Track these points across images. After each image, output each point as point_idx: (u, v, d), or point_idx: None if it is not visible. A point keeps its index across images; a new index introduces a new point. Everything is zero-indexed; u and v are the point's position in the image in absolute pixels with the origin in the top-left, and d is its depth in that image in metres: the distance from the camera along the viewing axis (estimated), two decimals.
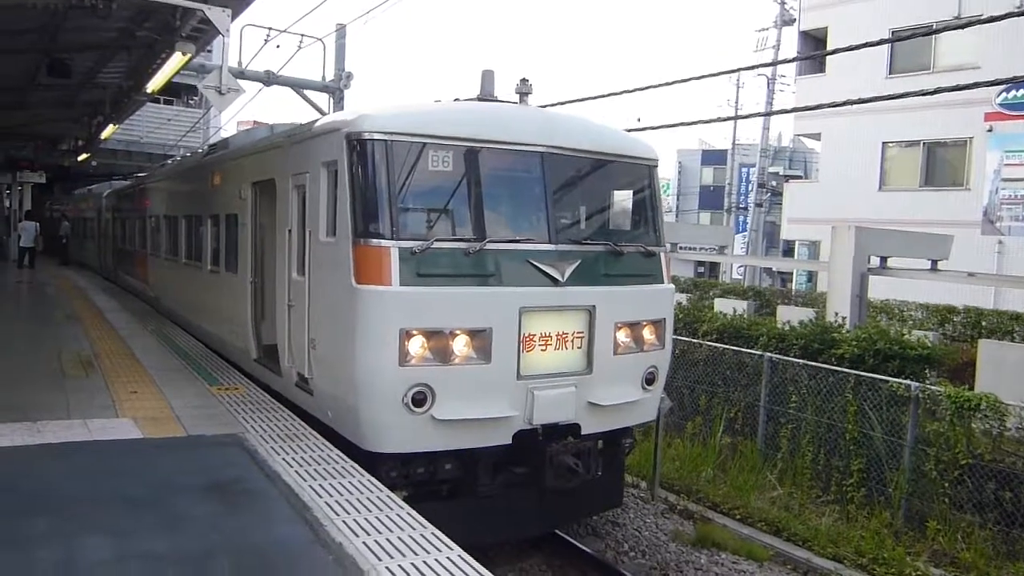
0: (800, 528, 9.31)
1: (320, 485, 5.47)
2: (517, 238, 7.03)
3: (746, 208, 45.43)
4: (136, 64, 9.81)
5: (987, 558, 8.53)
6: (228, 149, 11.58)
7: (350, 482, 5.60)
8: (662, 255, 8.10)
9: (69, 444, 6.26)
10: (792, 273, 34.73)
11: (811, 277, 29.84)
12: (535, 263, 6.95)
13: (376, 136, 6.67)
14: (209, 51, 25.78)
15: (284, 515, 4.89)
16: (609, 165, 7.84)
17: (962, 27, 14.93)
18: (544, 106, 10.02)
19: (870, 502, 9.99)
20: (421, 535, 4.66)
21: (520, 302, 6.84)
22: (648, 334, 7.85)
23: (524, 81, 7.77)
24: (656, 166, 8.26)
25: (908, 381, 9.94)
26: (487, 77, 7.82)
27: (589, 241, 7.50)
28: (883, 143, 26.34)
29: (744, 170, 47.07)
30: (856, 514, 9.84)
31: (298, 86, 18.29)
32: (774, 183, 40.42)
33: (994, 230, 23.32)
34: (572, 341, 7.24)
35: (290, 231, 8.13)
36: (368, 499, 5.25)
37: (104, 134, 17.83)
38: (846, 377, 10.55)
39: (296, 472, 5.73)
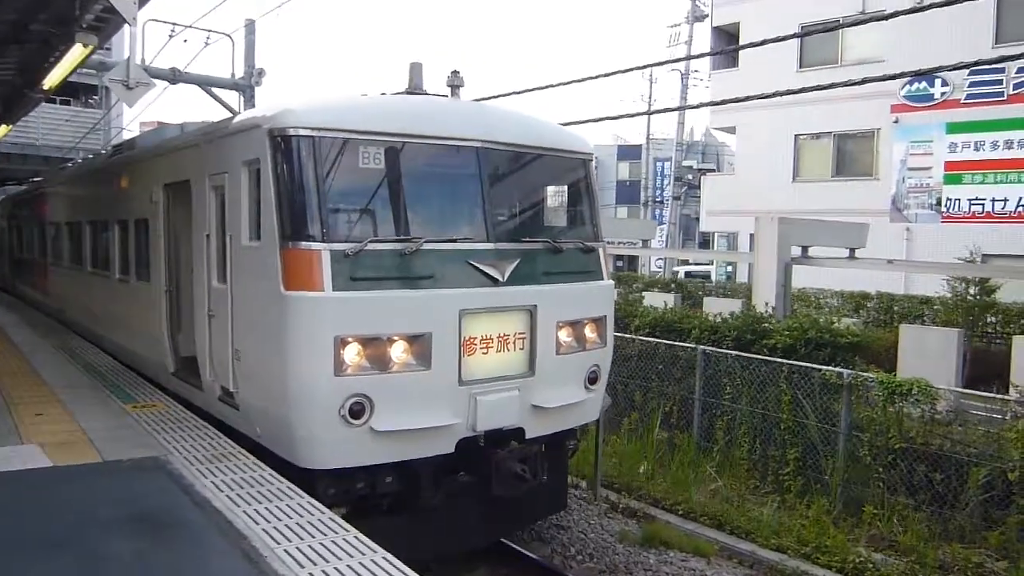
0: (742, 521, 9.30)
1: (255, 510, 5.05)
2: (454, 237, 6.72)
3: (662, 202, 46.17)
4: (30, 59, 9.07)
5: (923, 540, 8.67)
6: (136, 149, 10.88)
7: (287, 504, 5.19)
8: (601, 251, 7.91)
9: None
10: (711, 264, 35.41)
11: (728, 268, 30.44)
12: (474, 263, 6.66)
13: (301, 132, 6.25)
14: (108, 48, 24.50)
15: (218, 547, 4.46)
16: (545, 159, 7.61)
17: (866, 22, 15.44)
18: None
19: (807, 490, 10.06)
20: (372, 561, 4.31)
21: (459, 304, 6.54)
22: (590, 332, 7.66)
23: (455, 73, 7.48)
24: (591, 160, 8.08)
25: (840, 369, 10.06)
26: (415, 69, 7.48)
27: (527, 239, 7.25)
28: (795, 135, 27.01)
29: (659, 164, 47.80)
30: (795, 503, 9.90)
31: (206, 84, 17.47)
32: (690, 176, 41.14)
33: (902, 218, 24.17)
34: (514, 343, 6.98)
35: (208, 236, 7.61)
36: (309, 523, 4.87)
37: None
38: (779, 367, 10.62)
39: (227, 496, 5.28)
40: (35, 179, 22.15)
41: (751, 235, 27.34)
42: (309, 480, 6.15)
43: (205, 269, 7.64)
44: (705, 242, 40.95)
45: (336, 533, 4.71)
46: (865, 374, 9.87)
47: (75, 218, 13.69)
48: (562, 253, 7.39)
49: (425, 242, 6.42)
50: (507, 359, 6.94)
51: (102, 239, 11.78)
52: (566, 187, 7.92)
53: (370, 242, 6.25)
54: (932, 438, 9.33)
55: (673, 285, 25.59)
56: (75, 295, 13.90)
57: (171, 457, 6.18)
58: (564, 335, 7.39)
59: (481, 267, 6.67)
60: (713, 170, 44.09)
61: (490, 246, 6.80)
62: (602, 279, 7.86)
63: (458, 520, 7.08)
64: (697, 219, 46.37)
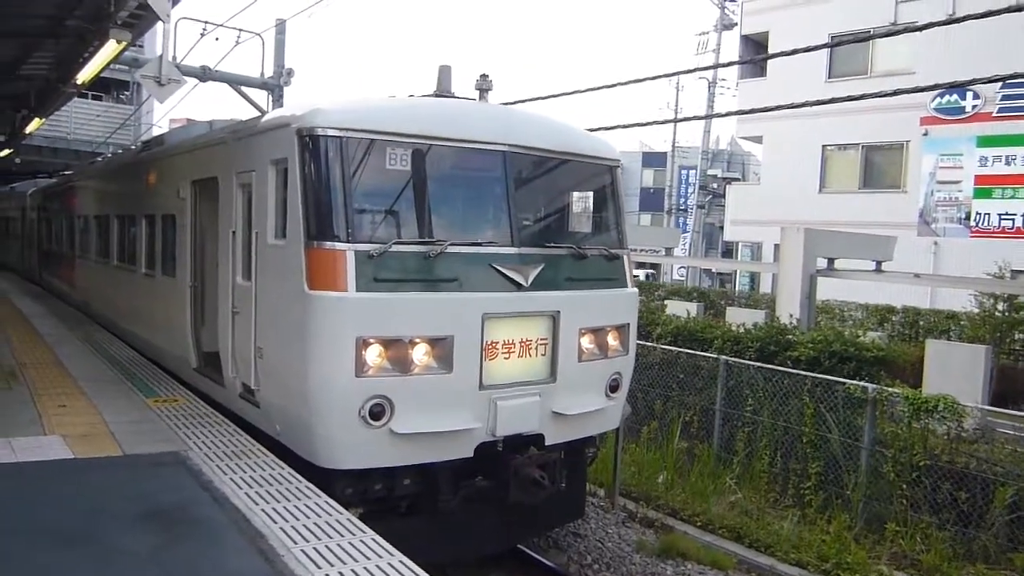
0: (762, 534, 9.19)
1: (273, 508, 5.04)
2: (479, 241, 6.69)
3: (685, 210, 45.92)
4: (65, 54, 9.17)
5: (947, 559, 8.52)
6: (165, 146, 10.96)
7: (306, 504, 5.18)
8: (625, 258, 7.86)
9: None
10: (733, 274, 35.16)
11: (753, 278, 30.20)
12: (498, 267, 6.62)
13: (330, 132, 6.25)
14: (140, 45, 24.75)
15: (235, 545, 4.46)
16: (571, 165, 7.56)
17: (898, 33, 15.26)
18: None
19: (828, 505, 9.93)
20: (389, 564, 4.29)
21: (482, 308, 6.51)
22: (612, 340, 7.60)
23: (484, 77, 7.45)
24: (618, 167, 8.02)
25: (865, 383, 9.92)
26: (444, 72, 7.46)
27: (552, 244, 7.19)
28: (823, 146, 26.78)
29: (683, 172, 47.56)
30: (815, 517, 9.77)
31: (235, 83, 17.57)
32: (714, 185, 40.90)
33: (930, 231, 23.87)
34: (536, 348, 6.94)
35: (234, 233, 7.64)
36: (328, 523, 4.85)
37: (29, 128, 16.86)
38: (803, 379, 10.50)
39: (246, 494, 5.28)
40: (65, 172, 22.39)
41: (775, 245, 27.23)
42: (327, 479, 6.14)
43: (230, 266, 7.67)
44: (728, 251, 40.66)
45: (354, 535, 4.69)
46: (891, 389, 9.73)
47: (103, 212, 13.82)
48: (586, 259, 7.34)
49: (449, 245, 6.40)
50: (529, 364, 6.90)
51: (129, 233, 11.87)
52: (592, 193, 7.87)
53: (395, 243, 6.24)
54: (957, 456, 9.18)
55: (695, 294, 25.46)
56: (101, 288, 14.03)
57: (191, 453, 6.20)
58: (586, 342, 7.33)
59: (505, 271, 6.63)
60: (738, 179, 43.81)
61: (514, 250, 6.77)
62: (626, 287, 7.80)
63: (475, 525, 7.04)
64: (721, 228, 46.08)
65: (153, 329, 10.46)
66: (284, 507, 5.09)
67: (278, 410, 6.82)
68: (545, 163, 7.33)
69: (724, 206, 43.95)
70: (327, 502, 5.24)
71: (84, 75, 8.66)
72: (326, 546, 4.48)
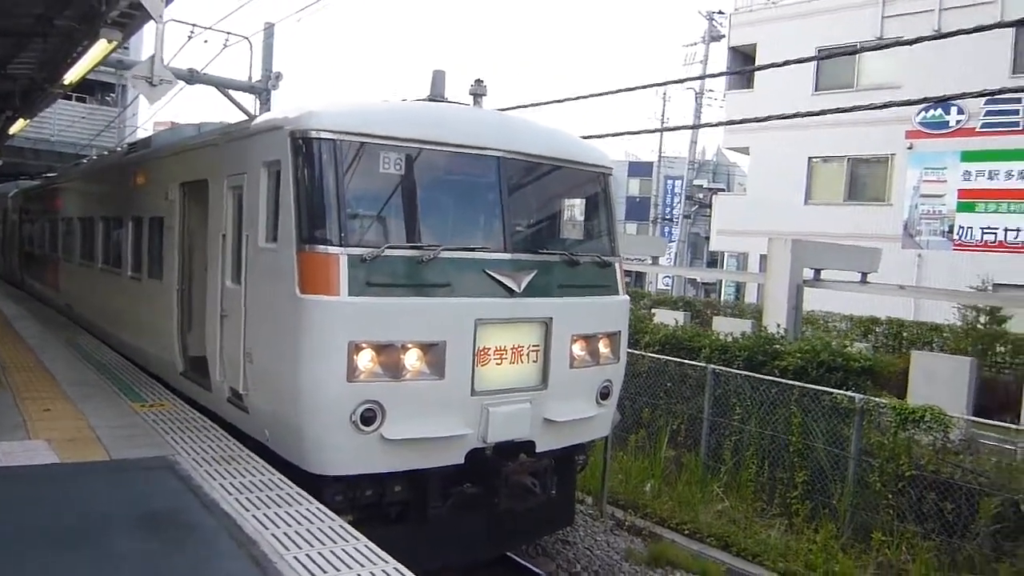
0: (749, 543, 9.19)
1: (264, 515, 4.98)
2: (472, 246, 6.67)
3: (671, 219, 46.09)
4: (52, 54, 9.07)
5: (932, 569, 8.55)
6: (153, 147, 10.88)
7: (297, 511, 5.12)
8: (617, 265, 7.86)
9: None
10: (718, 284, 35.31)
11: (738, 288, 30.34)
12: (491, 273, 6.61)
13: (324, 135, 6.22)
14: (126, 48, 24.59)
15: (227, 551, 4.40)
16: (565, 172, 7.57)
17: (884, 47, 15.44)
18: None
19: (815, 514, 9.95)
20: (383, 571, 4.24)
21: (475, 314, 6.49)
22: (604, 347, 7.60)
23: (479, 82, 7.44)
24: (610, 174, 8.03)
25: (853, 394, 9.96)
26: (438, 77, 7.45)
27: (545, 250, 7.19)
28: (809, 158, 26.95)
29: (669, 182, 47.75)
30: (802, 527, 9.79)
31: (223, 86, 17.47)
32: (700, 196, 41.10)
33: (914, 244, 24.07)
34: (527, 355, 6.92)
35: (224, 236, 7.58)
36: (320, 530, 4.80)
37: (12, 130, 16.69)
38: (790, 389, 10.53)
39: (236, 500, 5.22)
40: (48, 174, 22.17)
41: (761, 256, 27.40)
42: (317, 485, 6.08)
43: (219, 269, 7.61)
44: (713, 261, 40.84)
45: (347, 542, 4.64)
46: (878, 400, 9.78)
47: (88, 214, 13.68)
48: (579, 266, 7.33)
49: (443, 250, 6.38)
50: (520, 371, 6.88)
51: (114, 236, 11.76)
52: (584, 200, 7.88)
53: (387, 248, 6.20)
54: (943, 466, 9.23)
55: (680, 303, 25.53)
56: (85, 291, 13.88)
57: (179, 458, 6.12)
58: (578, 349, 7.32)
59: (498, 277, 6.61)
60: (723, 190, 44.03)
61: (507, 256, 6.75)
62: (618, 294, 7.81)
63: (464, 532, 7.00)
64: (706, 238, 46.28)
65: (139, 333, 10.35)
66: (275, 513, 5.03)
67: (267, 415, 6.76)
68: (539, 169, 7.33)
69: (709, 216, 44.22)
70: (318, 508, 5.19)
71: (71, 75, 8.57)
72: (319, 553, 4.42)
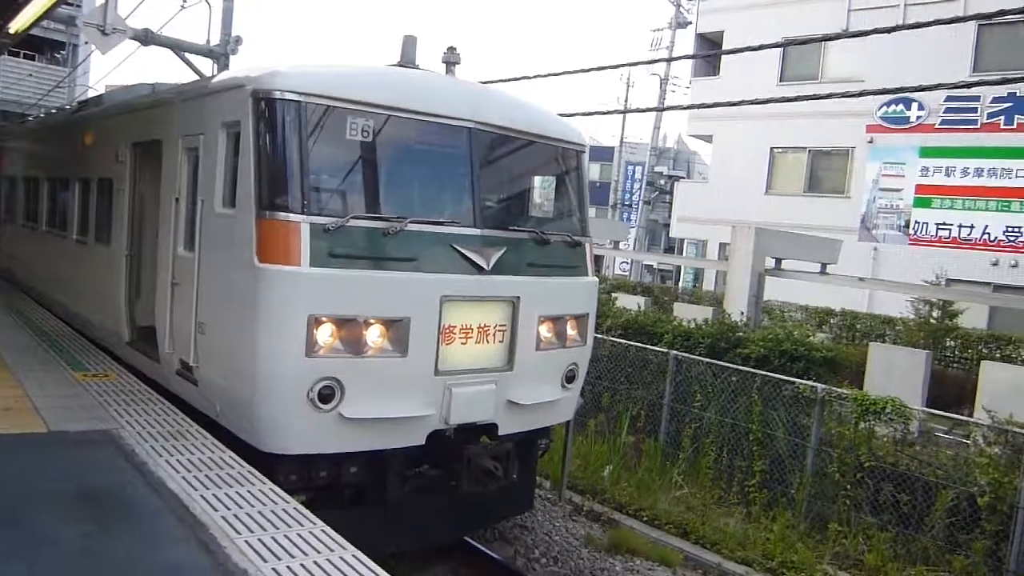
0: (707, 531, 9.13)
1: (214, 495, 4.69)
2: (440, 220, 6.39)
3: (630, 205, 46.08)
4: None
5: (888, 560, 8.58)
6: (104, 106, 10.35)
7: (249, 491, 4.84)
8: (587, 246, 7.66)
9: None
10: (674, 270, 35.41)
11: (696, 275, 30.44)
12: (459, 248, 6.35)
13: (288, 96, 5.88)
14: (78, 6, 23.58)
15: (173, 534, 4.10)
16: (538, 147, 7.32)
17: (848, 37, 15.47)
18: None
19: (773, 503, 9.94)
20: (341, 558, 3.99)
21: (441, 290, 6.23)
22: (571, 329, 7.41)
23: (451, 50, 7.12)
24: (584, 152, 7.81)
25: (815, 383, 9.95)
26: (408, 43, 7.11)
27: (515, 227, 6.95)
28: (771, 148, 27.05)
29: (630, 168, 47.71)
30: (759, 515, 9.77)
31: (179, 48, 16.81)
32: (662, 182, 41.17)
33: (870, 237, 24.33)
34: (494, 335, 6.69)
35: (177, 200, 7.19)
36: (273, 512, 4.53)
37: None
38: (752, 377, 10.49)
39: (183, 478, 4.91)
40: None
41: (721, 243, 27.52)
42: (269, 464, 5.81)
43: (171, 235, 7.22)
44: (670, 248, 40.98)
45: (302, 525, 4.37)
46: (840, 390, 9.77)
47: (32, 174, 13.06)
48: (548, 245, 7.11)
49: (409, 222, 6.10)
50: (485, 351, 6.65)
51: (60, 198, 11.21)
52: (557, 177, 7.63)
53: (352, 218, 5.91)
54: (901, 458, 9.27)
55: (639, 288, 25.51)
56: (27, 254, 13.27)
57: (123, 432, 5.77)
58: (545, 330, 7.12)
59: (466, 253, 6.36)
60: (683, 177, 44.16)
61: (476, 232, 6.50)
62: (587, 275, 7.61)
63: (423, 516, 6.77)
64: (664, 225, 46.40)
65: (84, 300, 9.88)
66: (226, 493, 4.74)
67: (219, 389, 6.43)
68: (512, 143, 7.07)
69: (669, 203, 44.29)
70: (272, 489, 4.91)
71: (18, 23, 8.03)
72: (272, 537, 4.15)
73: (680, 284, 30.70)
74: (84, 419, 6.03)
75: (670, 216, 45.09)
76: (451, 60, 7.09)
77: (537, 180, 7.44)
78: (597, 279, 7.90)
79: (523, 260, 6.85)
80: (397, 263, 6.11)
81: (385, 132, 6.26)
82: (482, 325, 6.57)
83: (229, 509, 4.48)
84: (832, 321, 21.46)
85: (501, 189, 7.24)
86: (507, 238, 6.73)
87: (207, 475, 5.04)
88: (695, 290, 27.14)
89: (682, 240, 32.56)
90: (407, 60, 7.05)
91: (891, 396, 9.49)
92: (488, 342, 6.65)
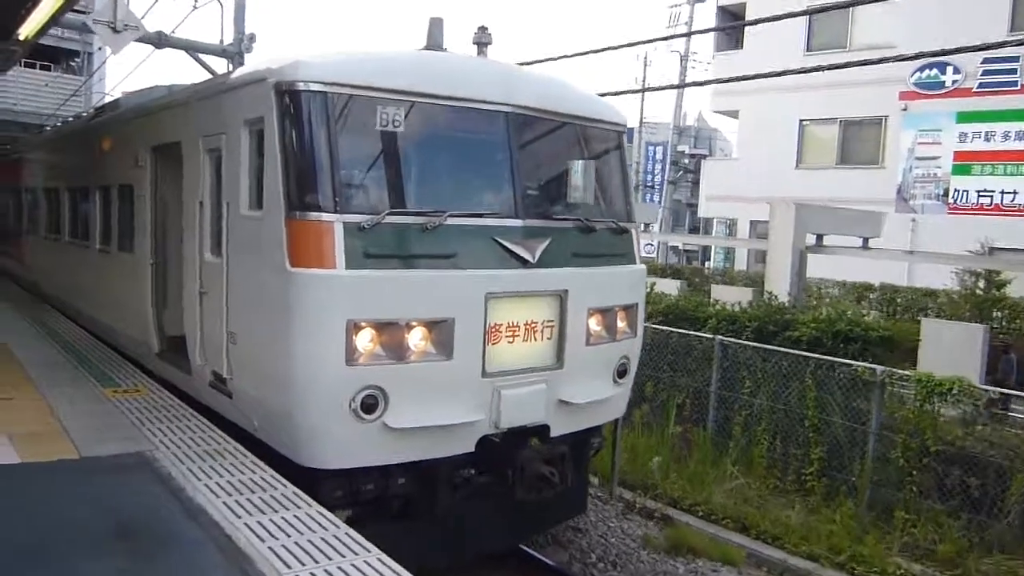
0: (767, 524, 8.69)
1: (258, 522, 4.33)
2: (481, 212, 5.99)
3: (652, 186, 45.39)
4: (5, 4, 8.18)
5: (963, 549, 8.11)
6: (120, 110, 10.04)
7: (295, 516, 4.48)
8: (634, 232, 7.22)
9: None
10: (700, 250, 34.74)
11: (727, 255, 29.82)
12: (501, 241, 5.94)
13: (314, 87, 5.49)
14: (88, 12, 23.36)
15: (216, 568, 3.75)
16: (578, 129, 6.88)
17: (876, 0, 14.87)
18: None
19: (831, 492, 9.48)
20: None
21: (486, 287, 5.83)
22: (621, 321, 6.99)
23: (483, 29, 6.68)
24: (625, 132, 7.36)
25: (874, 365, 9.45)
26: (435, 25, 6.69)
27: (558, 216, 6.52)
28: (800, 121, 26.33)
29: (650, 148, 46.98)
30: (819, 505, 9.31)
31: (192, 49, 16.53)
32: (686, 161, 40.49)
33: (908, 208, 23.58)
34: (542, 331, 6.28)
35: (202, 203, 6.84)
36: (324, 540, 4.16)
37: None
38: (805, 361, 10.00)
39: (225, 504, 4.56)
40: (7, 146, 21.07)
41: (751, 221, 26.87)
42: (312, 480, 5.46)
43: (197, 241, 6.88)
44: (695, 228, 40.33)
45: (356, 555, 4.00)
46: (902, 372, 9.27)
47: (53, 184, 12.84)
48: (594, 233, 6.69)
49: (449, 216, 5.70)
50: (534, 349, 6.25)
51: (81, 207, 10.95)
52: (599, 161, 7.17)
53: (388, 214, 5.51)
54: (972, 441, 8.76)
55: (669, 271, 24.97)
56: (52, 266, 13.07)
57: (158, 454, 5.44)
58: (594, 324, 6.70)
59: (509, 246, 5.95)
60: (705, 155, 43.43)
61: (519, 223, 6.09)
62: (635, 263, 7.17)
63: (474, 525, 6.41)
64: (687, 205, 45.72)
65: (109, 310, 9.61)
66: (271, 519, 4.38)
67: (255, 402, 6.09)
68: (550, 126, 6.63)
69: (691, 183, 43.57)
70: (320, 512, 4.55)
71: (28, 28, 7.72)
72: (326, 571, 3.78)
73: (711, 264, 30.09)
74: (116, 440, 5.70)
75: (692, 195, 44.43)
76: (482, 41, 6.65)
77: (578, 164, 7.00)
78: (645, 267, 7.46)
79: (569, 250, 6.43)
80: (437, 260, 5.72)
81: (417, 120, 5.86)
82: (529, 322, 6.17)
83: (276, 538, 4.12)
84: (871, 296, 20.86)
85: (541, 175, 6.79)
86: (551, 228, 6.32)
87: (249, 499, 4.68)
88: (727, 270, 26.54)
89: (707, 220, 31.92)
90: (434, 44, 6.63)
91: (957, 376, 8.97)
92: (536, 339, 6.25)
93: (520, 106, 6.24)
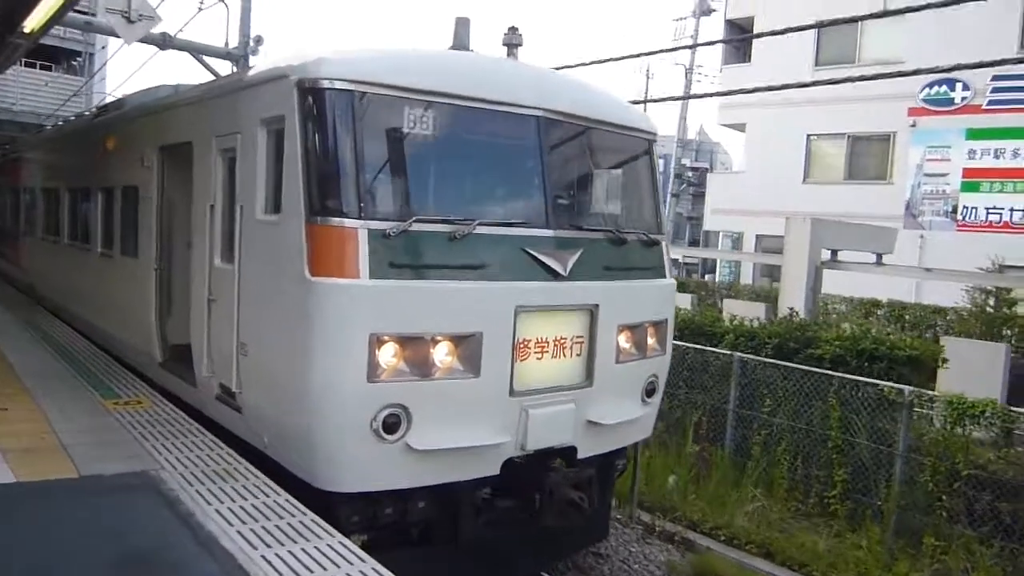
0: (793, 550, 8.34)
1: (276, 554, 3.97)
2: (511, 221, 5.65)
3: None
4: None
5: None
6: (126, 108, 9.69)
7: (316, 547, 4.11)
8: (664, 244, 6.90)
9: None
10: (700, 263, 34.41)
11: (731, 268, 29.52)
12: (532, 252, 5.61)
13: (338, 85, 5.15)
14: (92, 14, 23.03)
15: None
16: (609, 136, 6.56)
17: (886, 15, 14.65)
18: None
19: (856, 515, 9.14)
20: None
21: (516, 300, 5.49)
22: (650, 338, 6.66)
23: (513, 30, 6.38)
24: (655, 140, 7.04)
25: (901, 385, 9.13)
26: (461, 25, 6.38)
27: (590, 227, 6.20)
28: (808, 135, 26.10)
29: None
30: (843, 529, 8.97)
31: (197, 52, 16.21)
32: (689, 174, 40.32)
33: (916, 224, 23.34)
34: (571, 347, 5.95)
35: (212, 207, 6.50)
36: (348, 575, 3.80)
37: None
38: (828, 380, 9.68)
39: (239, 532, 4.20)
40: (6, 145, 20.71)
41: (757, 236, 26.60)
42: (328, 503, 5.11)
43: (207, 246, 6.53)
44: (695, 241, 40.11)
45: None
46: (931, 392, 8.95)
47: (52, 185, 12.47)
48: (625, 245, 6.37)
49: (479, 224, 5.36)
50: (563, 367, 5.91)
51: (82, 209, 10.59)
52: (631, 170, 6.86)
53: (415, 221, 5.17)
54: (1002, 464, 8.44)
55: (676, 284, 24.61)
56: (49, 269, 12.69)
57: (163, 473, 5.07)
58: (624, 340, 6.37)
59: (540, 257, 5.62)
60: (707, 168, 43.27)
61: (550, 233, 5.76)
62: (665, 277, 6.85)
63: (497, 551, 6.05)
64: (688, 218, 45.51)
65: (110, 317, 9.24)
66: (289, 551, 4.02)
67: (267, 419, 5.73)
68: (582, 132, 6.31)
69: (692, 195, 43.34)
70: (343, 543, 4.18)
71: (33, 21, 7.40)
72: None
73: (716, 277, 29.78)
74: (118, 458, 5.33)
75: (693, 208, 44.18)
76: (513, 42, 6.35)
77: (610, 173, 6.67)
78: (675, 281, 7.13)
79: (600, 263, 6.10)
80: (465, 271, 5.38)
81: (446, 122, 5.54)
82: (559, 337, 5.84)
83: (297, 574, 3.76)
84: (879, 313, 20.58)
85: (572, 184, 6.46)
86: (582, 239, 5.99)
87: (264, 526, 4.32)
88: (733, 284, 26.24)
89: (707, 233, 31.63)
90: (460, 44, 6.32)
91: (990, 398, 8.66)
92: (565, 356, 5.91)
93: (552, 111, 5.92)
